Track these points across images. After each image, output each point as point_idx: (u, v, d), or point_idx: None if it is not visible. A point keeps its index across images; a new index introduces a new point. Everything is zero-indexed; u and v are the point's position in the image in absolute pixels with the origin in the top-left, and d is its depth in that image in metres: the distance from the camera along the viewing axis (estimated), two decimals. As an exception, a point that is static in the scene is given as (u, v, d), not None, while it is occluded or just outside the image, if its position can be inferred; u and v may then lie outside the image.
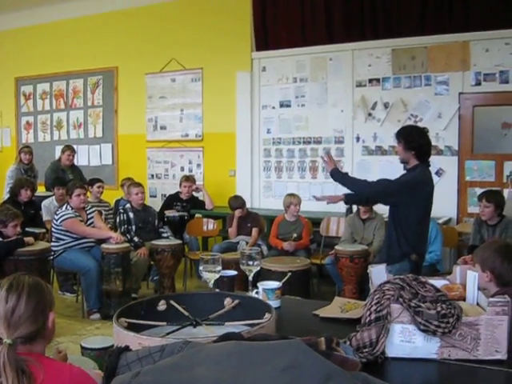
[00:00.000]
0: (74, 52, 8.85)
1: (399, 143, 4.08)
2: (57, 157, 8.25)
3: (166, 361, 1.37)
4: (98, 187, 6.90)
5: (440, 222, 5.99)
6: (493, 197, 5.15)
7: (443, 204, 6.34)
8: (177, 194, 7.33)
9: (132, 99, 8.63)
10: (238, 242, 6.33)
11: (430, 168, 4.19)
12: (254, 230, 6.41)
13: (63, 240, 5.60)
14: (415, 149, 3.98)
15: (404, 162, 4.12)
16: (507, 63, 6.31)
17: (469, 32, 6.42)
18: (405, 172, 4.13)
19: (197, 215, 7.37)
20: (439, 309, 1.69)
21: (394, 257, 3.96)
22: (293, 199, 6.21)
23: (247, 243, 6.22)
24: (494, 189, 5.71)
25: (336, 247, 5.59)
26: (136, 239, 6.07)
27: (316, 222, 6.51)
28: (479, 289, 1.95)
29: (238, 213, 6.46)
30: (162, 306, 2.03)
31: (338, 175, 4.12)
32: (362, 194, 4.18)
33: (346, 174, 4.25)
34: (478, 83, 6.48)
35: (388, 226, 4.21)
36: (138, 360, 1.47)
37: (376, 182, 4.09)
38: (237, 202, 6.57)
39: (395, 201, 4.01)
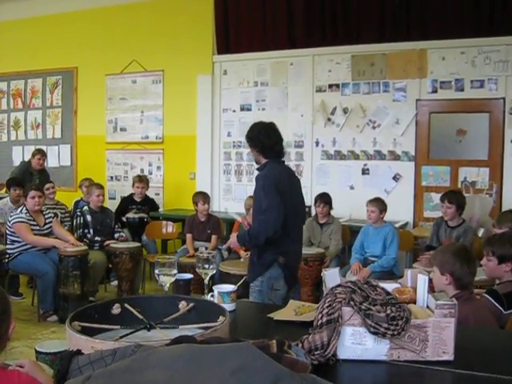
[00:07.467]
0: (33, 51, 8.71)
1: (247, 143, 3.89)
2: (14, 157, 8.09)
3: (118, 364, 1.35)
4: (47, 189, 6.67)
5: (397, 225, 6.03)
6: (454, 197, 5.17)
7: (400, 208, 6.50)
8: (131, 196, 7.27)
9: (92, 100, 8.54)
10: (197, 249, 6.24)
11: (387, 171, 3.88)
12: (214, 238, 6.27)
13: (19, 242, 5.50)
14: (258, 146, 3.76)
15: (256, 162, 3.89)
16: (462, 72, 6.47)
17: (426, 40, 6.56)
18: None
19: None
20: (389, 311, 1.72)
21: (264, 265, 3.74)
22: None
23: (206, 249, 6.13)
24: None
25: (292, 250, 5.60)
26: (97, 238, 6.07)
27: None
28: (429, 292, 2.00)
29: (202, 208, 6.30)
30: (116, 309, 2.01)
31: (245, 238, 3.75)
32: (268, 233, 3.59)
33: (246, 233, 3.77)
34: (435, 90, 6.63)
35: None
36: (89, 364, 1.46)
37: (264, 214, 3.63)
38: (201, 195, 6.43)
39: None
